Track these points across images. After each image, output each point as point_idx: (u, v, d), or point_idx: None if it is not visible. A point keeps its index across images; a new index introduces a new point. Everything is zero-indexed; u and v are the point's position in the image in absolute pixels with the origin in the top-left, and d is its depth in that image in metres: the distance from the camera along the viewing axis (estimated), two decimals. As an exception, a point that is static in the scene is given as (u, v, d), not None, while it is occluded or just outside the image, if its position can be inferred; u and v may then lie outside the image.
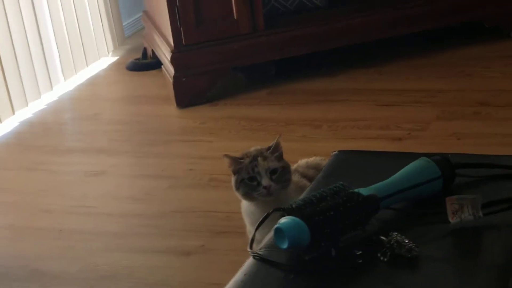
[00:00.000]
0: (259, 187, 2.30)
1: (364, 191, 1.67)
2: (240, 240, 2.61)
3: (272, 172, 2.32)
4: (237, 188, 2.35)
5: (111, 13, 4.75)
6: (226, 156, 2.37)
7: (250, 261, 1.64)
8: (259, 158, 2.32)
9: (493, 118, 3.44)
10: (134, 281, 2.72)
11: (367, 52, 4.17)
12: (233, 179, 2.37)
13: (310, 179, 2.40)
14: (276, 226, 1.59)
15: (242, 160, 2.35)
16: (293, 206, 1.62)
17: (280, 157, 2.35)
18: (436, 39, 4.21)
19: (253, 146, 2.42)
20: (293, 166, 2.50)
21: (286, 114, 3.73)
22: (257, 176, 2.31)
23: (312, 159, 2.56)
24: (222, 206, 3.06)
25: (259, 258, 1.63)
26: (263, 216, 1.75)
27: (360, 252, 1.55)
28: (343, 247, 1.56)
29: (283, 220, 1.59)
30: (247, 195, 2.34)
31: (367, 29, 4.01)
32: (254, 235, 1.71)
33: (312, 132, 3.53)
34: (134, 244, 2.93)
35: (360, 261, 1.54)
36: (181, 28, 3.85)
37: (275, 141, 2.36)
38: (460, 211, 1.60)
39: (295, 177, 2.41)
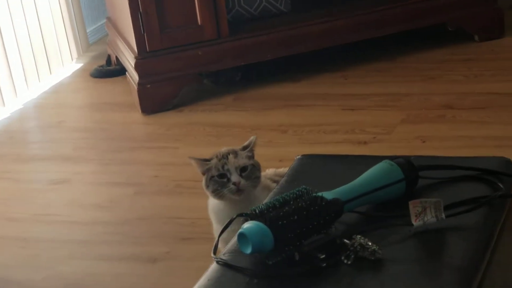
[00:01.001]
0: (228, 183, 2.31)
1: (327, 194, 1.67)
2: (206, 246, 2.58)
3: (242, 169, 2.33)
4: (207, 186, 2.36)
5: (75, 20, 4.72)
6: (192, 158, 2.37)
7: (213, 266, 1.64)
8: (230, 156, 2.33)
9: (458, 121, 3.46)
10: (99, 289, 2.72)
11: (332, 56, 4.18)
12: (203, 179, 2.37)
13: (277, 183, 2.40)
14: (239, 231, 1.59)
15: (207, 162, 2.35)
16: (256, 211, 1.62)
17: (251, 156, 2.37)
18: (400, 43, 4.22)
19: (225, 147, 2.41)
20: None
21: (252, 119, 3.73)
22: (227, 173, 2.32)
23: (282, 169, 2.57)
24: (188, 212, 3.06)
25: (223, 264, 1.62)
26: (227, 222, 1.75)
27: (324, 255, 1.55)
28: (306, 251, 1.56)
29: (247, 225, 1.59)
30: (216, 192, 2.34)
31: (331, 34, 4.01)
32: (217, 241, 1.71)
33: (278, 137, 3.54)
34: (100, 251, 2.91)
35: (324, 264, 1.53)
36: (145, 35, 3.84)
37: (252, 140, 2.37)
38: (423, 214, 1.60)
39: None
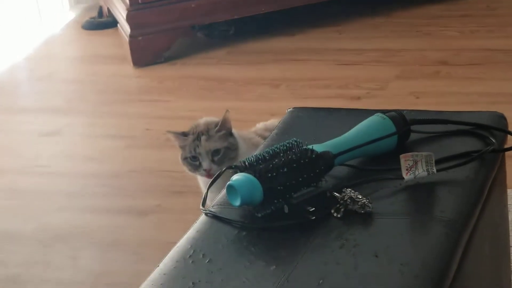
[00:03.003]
0: (200, 167, 2.30)
1: (318, 147, 1.65)
2: (197, 200, 2.55)
3: (215, 152, 2.30)
4: (182, 164, 2.36)
5: (67, -29, 4.67)
6: (169, 132, 2.35)
7: (202, 218, 1.62)
8: (202, 138, 2.29)
9: (452, 77, 3.44)
10: (89, 240, 2.72)
11: (327, 11, 4.15)
12: (180, 153, 2.37)
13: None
14: (228, 183, 1.57)
15: (185, 138, 2.33)
16: (246, 163, 1.60)
17: (226, 135, 2.32)
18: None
19: (204, 118, 2.39)
20: (251, 129, 2.49)
21: (244, 73, 3.71)
22: (199, 157, 2.29)
23: (270, 122, 2.54)
24: (179, 166, 2.99)
25: (212, 216, 1.61)
26: (215, 175, 1.73)
27: (313, 208, 1.53)
28: (296, 204, 1.54)
29: (236, 177, 1.57)
30: (191, 172, 2.35)
31: (326, -12, 3.98)
32: (206, 193, 1.69)
33: (271, 92, 3.52)
34: (90, 204, 2.91)
35: (313, 217, 1.52)
36: (137, -14, 3.80)
37: (222, 117, 2.32)
38: (414, 167, 1.58)
39: (250, 134, 2.39)
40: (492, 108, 3.18)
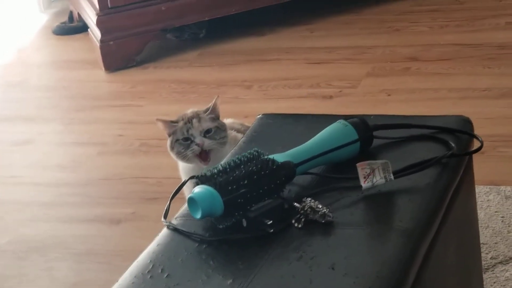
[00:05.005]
0: (192, 143, 2.34)
1: (279, 157, 1.65)
2: (172, 206, 2.59)
3: (206, 132, 2.35)
4: (172, 148, 2.38)
5: (37, -24, 4.65)
6: (159, 120, 2.37)
7: (164, 231, 1.63)
8: (193, 120, 2.35)
9: (423, 73, 3.44)
10: (64, 251, 2.71)
11: (297, 10, 4.14)
12: (168, 140, 2.38)
13: (237, 130, 2.45)
14: (189, 196, 1.58)
15: (175, 124, 2.36)
16: (207, 174, 1.60)
17: (215, 118, 2.38)
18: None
19: (190, 109, 2.41)
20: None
21: (217, 75, 3.70)
22: (191, 137, 2.34)
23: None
24: (153, 172, 3.04)
25: (173, 228, 1.61)
26: (179, 185, 1.73)
27: (271, 221, 1.53)
28: (255, 217, 1.54)
29: (197, 189, 1.57)
30: (180, 154, 2.36)
31: (296, -13, 3.97)
32: (168, 205, 1.69)
33: (243, 93, 3.51)
34: (63, 213, 2.90)
35: (271, 230, 1.52)
36: (106, -10, 3.79)
37: (213, 102, 2.38)
38: (371, 175, 1.58)
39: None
40: (462, 103, 3.21)
